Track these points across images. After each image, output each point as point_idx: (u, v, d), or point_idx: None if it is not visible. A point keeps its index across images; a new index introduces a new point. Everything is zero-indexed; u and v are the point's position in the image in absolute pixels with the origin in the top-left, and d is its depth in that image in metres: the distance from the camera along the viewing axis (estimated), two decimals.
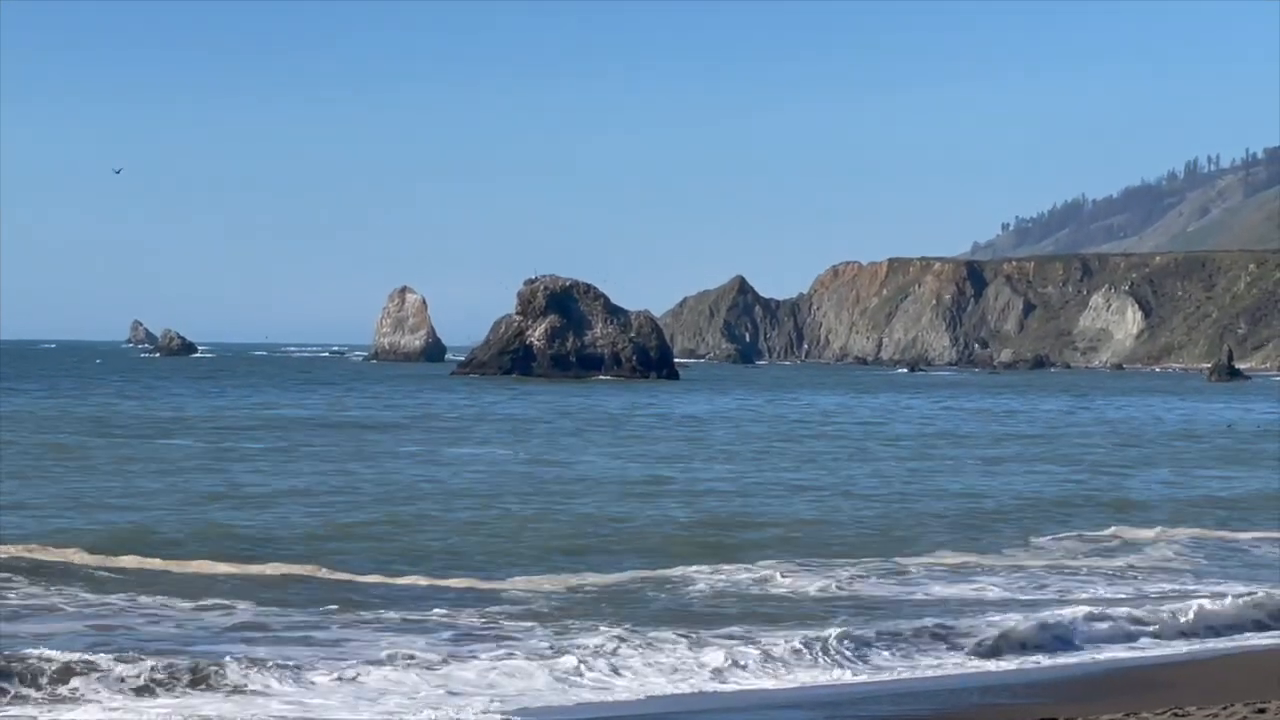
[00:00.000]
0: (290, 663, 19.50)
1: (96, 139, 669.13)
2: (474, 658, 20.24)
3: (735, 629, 22.43)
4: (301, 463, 50.73)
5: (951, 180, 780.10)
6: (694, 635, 21.56)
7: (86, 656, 19.07)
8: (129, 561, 27.98)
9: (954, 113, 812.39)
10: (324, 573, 27.36)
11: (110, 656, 19.11)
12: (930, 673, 20.17)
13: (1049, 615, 23.06)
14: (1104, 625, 23.06)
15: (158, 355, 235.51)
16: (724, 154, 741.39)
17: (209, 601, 24.07)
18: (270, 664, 19.33)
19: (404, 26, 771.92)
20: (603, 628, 21.96)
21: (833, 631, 21.34)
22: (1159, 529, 35.38)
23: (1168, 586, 27.73)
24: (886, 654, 20.98)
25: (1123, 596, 26.33)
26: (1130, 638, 22.84)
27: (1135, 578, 28.85)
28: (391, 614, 23.45)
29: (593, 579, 27.29)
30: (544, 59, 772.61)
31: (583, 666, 19.79)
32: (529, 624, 22.74)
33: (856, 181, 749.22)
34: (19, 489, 40.29)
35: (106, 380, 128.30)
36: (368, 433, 67.02)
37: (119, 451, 53.52)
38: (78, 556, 28.14)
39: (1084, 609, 23.75)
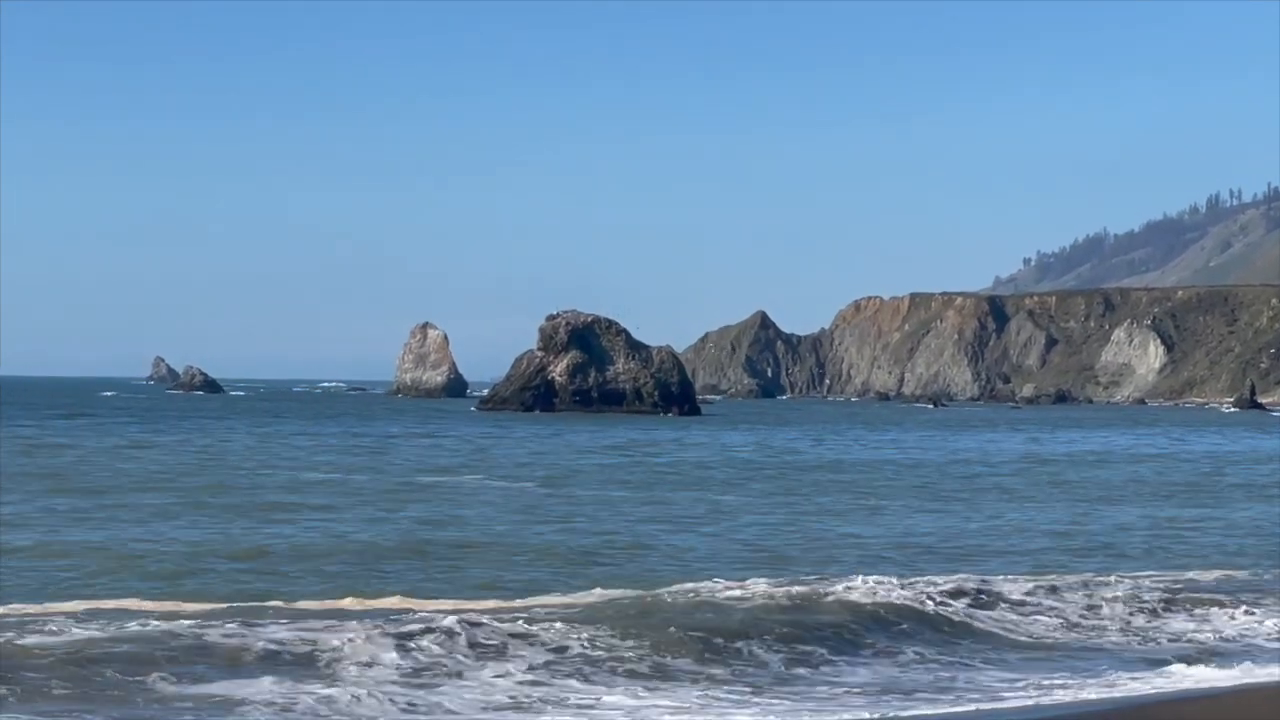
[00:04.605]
0: None
1: (115, 173, 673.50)
2: None
3: None
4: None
5: (973, 215, 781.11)
6: None
7: None
8: None
9: (975, 147, 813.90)
10: None
11: None
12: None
13: None
14: None
15: (180, 392, 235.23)
16: (744, 189, 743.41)
17: None
18: None
19: (426, 62, 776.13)
20: None
21: None
22: None
23: None
24: None
25: None
26: None
27: None
28: None
29: None
30: (562, 92, 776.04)
31: None
32: None
33: (878, 216, 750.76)
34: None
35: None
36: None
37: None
38: None
39: None
